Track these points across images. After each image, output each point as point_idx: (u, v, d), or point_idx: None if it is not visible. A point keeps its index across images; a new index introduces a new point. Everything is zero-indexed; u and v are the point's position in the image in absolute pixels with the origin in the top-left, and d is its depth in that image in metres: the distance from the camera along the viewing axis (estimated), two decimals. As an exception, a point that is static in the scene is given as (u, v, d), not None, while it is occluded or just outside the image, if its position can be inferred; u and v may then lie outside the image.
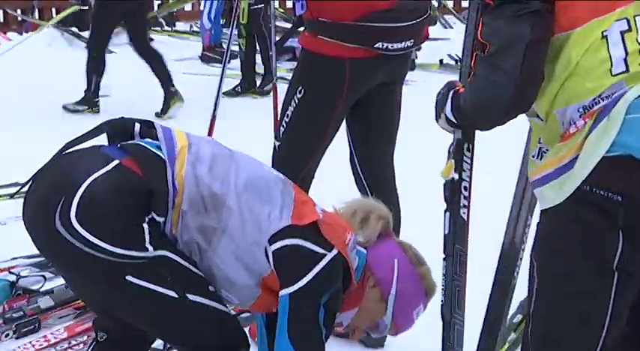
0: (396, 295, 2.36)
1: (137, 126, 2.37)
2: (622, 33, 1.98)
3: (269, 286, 2.25)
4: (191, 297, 2.20)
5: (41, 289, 3.70)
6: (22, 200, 2.31)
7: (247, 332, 2.43)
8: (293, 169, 3.06)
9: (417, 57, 8.61)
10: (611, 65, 1.97)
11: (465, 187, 2.42)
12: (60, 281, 3.72)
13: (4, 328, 3.43)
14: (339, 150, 3.52)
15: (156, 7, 12.15)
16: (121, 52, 8.67)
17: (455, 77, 2.37)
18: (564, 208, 1.98)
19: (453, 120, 2.22)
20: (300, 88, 3.27)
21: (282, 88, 3.82)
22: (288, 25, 10.02)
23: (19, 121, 6.79)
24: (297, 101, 3.27)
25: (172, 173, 2.21)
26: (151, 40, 10.54)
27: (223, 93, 5.27)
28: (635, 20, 1.99)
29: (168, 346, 3.01)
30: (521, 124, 2.23)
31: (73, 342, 3.38)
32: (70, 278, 2.43)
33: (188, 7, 12.21)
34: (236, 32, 7.30)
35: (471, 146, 2.41)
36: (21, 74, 8.21)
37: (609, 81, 1.96)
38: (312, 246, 2.21)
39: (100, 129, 2.37)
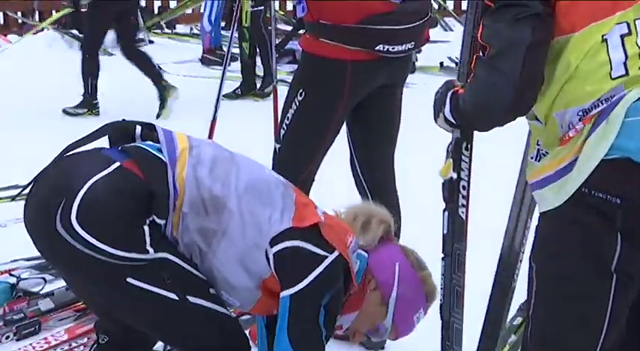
0: (396, 298, 2.36)
1: (138, 128, 2.37)
2: (622, 36, 1.98)
3: (269, 289, 2.25)
4: (192, 299, 2.20)
5: (41, 292, 3.70)
6: (22, 202, 2.31)
7: (248, 334, 2.43)
8: (293, 171, 3.06)
9: (417, 59, 8.60)
10: (611, 69, 1.97)
11: (464, 187, 2.43)
12: (60, 283, 3.72)
13: (4, 330, 3.43)
14: (339, 152, 3.52)
15: (156, 10, 12.16)
16: (120, 54, 8.67)
17: (455, 79, 2.37)
18: (563, 211, 1.99)
19: (452, 120, 2.22)
20: (300, 90, 3.28)
21: (283, 91, 3.82)
22: (288, 28, 10.04)
23: (20, 122, 6.79)
24: (297, 104, 3.27)
25: (173, 175, 2.21)
26: (151, 42, 10.59)
27: (223, 95, 5.27)
28: (635, 24, 1.99)
29: (169, 348, 3.01)
30: (521, 125, 2.24)
31: (74, 344, 3.37)
32: (70, 280, 2.43)
33: (188, 9, 12.21)
34: (236, 35, 7.29)
35: (469, 145, 2.41)
36: (21, 76, 8.21)
37: (609, 85, 1.96)
38: (313, 248, 2.22)
39: (101, 131, 2.38)
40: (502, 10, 2.03)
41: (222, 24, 10.40)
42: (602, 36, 1.98)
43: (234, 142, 2.45)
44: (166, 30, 11.56)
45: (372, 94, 3.31)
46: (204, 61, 9.69)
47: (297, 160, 3.29)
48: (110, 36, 7.36)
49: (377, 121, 3.41)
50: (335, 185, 3.89)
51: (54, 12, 11.33)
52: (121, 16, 7.09)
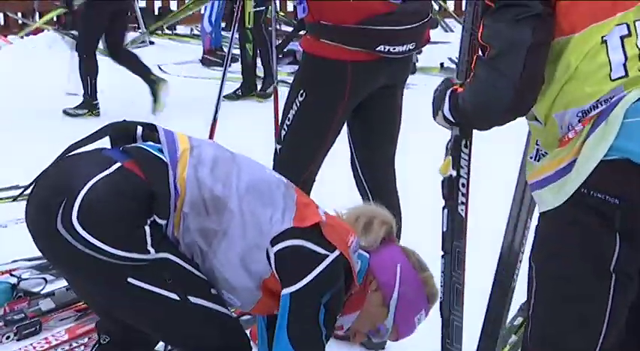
0: (397, 299, 2.36)
1: (139, 129, 2.38)
2: (622, 38, 1.98)
3: (270, 289, 2.25)
4: (192, 299, 2.20)
5: (42, 292, 3.70)
6: (23, 203, 2.31)
7: (248, 335, 2.43)
8: (294, 172, 3.06)
9: (417, 60, 8.61)
10: (611, 70, 1.97)
11: (463, 184, 2.43)
12: (61, 284, 3.72)
13: (5, 330, 3.43)
14: (340, 153, 3.52)
15: (156, 10, 12.16)
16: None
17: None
18: (562, 211, 1.99)
19: (451, 119, 2.23)
20: (301, 91, 3.28)
21: (283, 92, 3.82)
22: (289, 29, 10.04)
23: (20, 122, 6.79)
24: (298, 104, 3.28)
25: (174, 176, 2.22)
26: (152, 43, 10.59)
27: (224, 96, 5.27)
28: (635, 25, 2.00)
29: (170, 348, 3.01)
30: (520, 125, 2.24)
31: (74, 344, 3.37)
32: (72, 280, 2.43)
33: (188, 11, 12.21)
34: (237, 36, 7.28)
35: (468, 143, 2.41)
36: (22, 77, 8.21)
37: (608, 86, 1.96)
38: (314, 246, 2.22)
39: (102, 132, 2.38)
40: (502, 11, 2.03)
41: (223, 25, 10.40)
42: (602, 37, 1.98)
43: (234, 143, 2.45)
44: (167, 31, 11.56)
45: (373, 95, 3.31)
46: (204, 61, 9.69)
47: (298, 160, 3.30)
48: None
49: (378, 121, 3.41)
50: (336, 186, 3.89)
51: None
52: (115, 16, 7.09)
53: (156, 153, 2.27)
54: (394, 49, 3.21)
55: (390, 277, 2.37)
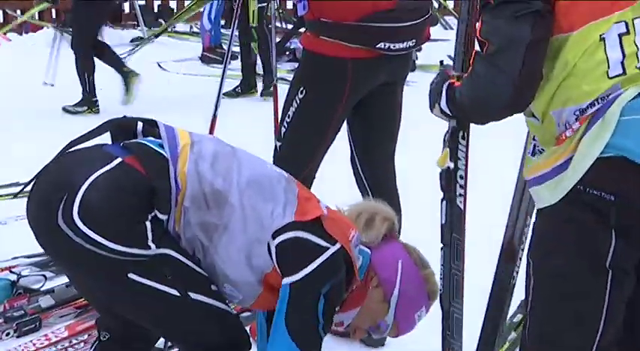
0: (398, 296, 2.36)
1: (140, 125, 2.38)
2: (620, 35, 1.98)
3: (271, 284, 2.25)
4: (193, 295, 2.20)
5: (42, 289, 3.71)
6: (23, 200, 2.31)
7: (248, 331, 2.43)
8: (294, 169, 3.05)
9: (417, 58, 8.60)
10: (608, 67, 1.98)
11: (461, 176, 2.44)
12: (60, 280, 3.73)
13: (4, 327, 3.44)
14: (340, 150, 3.52)
15: (156, 8, 12.15)
16: (120, 52, 8.67)
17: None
18: (559, 209, 2.00)
19: (448, 112, 2.23)
20: (301, 88, 3.28)
21: (283, 89, 3.83)
22: (288, 26, 10.04)
23: (20, 120, 6.79)
24: (298, 101, 3.28)
25: (175, 171, 2.22)
26: (151, 41, 10.57)
27: (223, 94, 5.26)
28: (633, 23, 2.00)
29: (170, 344, 3.01)
30: (519, 121, 2.24)
31: (74, 341, 3.38)
32: (72, 276, 2.43)
33: (187, 4, 12.19)
34: (237, 33, 7.27)
35: (466, 134, 2.41)
36: (21, 74, 8.20)
37: (606, 84, 1.97)
38: (315, 239, 2.22)
39: (102, 128, 2.38)
40: (501, 7, 2.03)
41: (222, 22, 10.39)
42: (600, 35, 1.98)
43: (234, 140, 2.45)
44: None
45: (373, 92, 3.31)
46: (203, 59, 9.69)
47: (297, 157, 3.30)
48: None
49: (378, 118, 3.41)
50: (336, 183, 3.90)
51: (54, 10, 11.34)
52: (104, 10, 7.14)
53: (156, 148, 2.27)
54: (394, 46, 3.21)
55: (392, 273, 2.37)
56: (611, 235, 1.95)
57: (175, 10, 12.04)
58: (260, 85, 7.94)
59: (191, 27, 11.62)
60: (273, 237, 2.22)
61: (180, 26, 11.97)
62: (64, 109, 7.18)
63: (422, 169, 3.57)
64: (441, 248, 2.50)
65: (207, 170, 2.24)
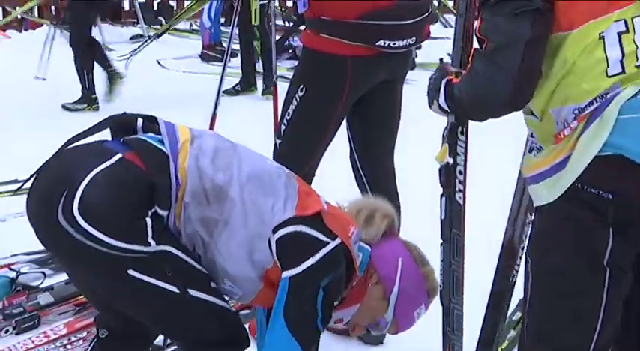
0: (398, 293, 2.36)
1: (140, 121, 2.38)
2: (619, 34, 1.99)
3: (271, 280, 2.25)
4: (192, 292, 2.20)
5: (41, 286, 3.71)
6: (22, 197, 2.31)
7: (247, 329, 2.43)
8: (294, 167, 3.04)
9: (417, 56, 8.60)
10: (607, 66, 1.98)
11: (460, 172, 2.44)
12: (60, 278, 3.73)
13: (3, 324, 3.44)
14: (339, 148, 3.52)
15: (155, 6, 12.14)
16: (119, 49, 8.67)
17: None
18: (557, 207, 2.01)
19: (446, 109, 2.23)
20: (301, 86, 3.28)
21: (283, 87, 3.82)
22: (285, 24, 10.03)
23: (19, 117, 6.78)
24: (298, 99, 3.28)
25: (175, 167, 2.22)
26: (154, 40, 10.57)
27: (223, 91, 5.27)
28: (633, 22, 2.00)
29: (169, 341, 3.02)
30: (517, 118, 2.24)
31: (73, 338, 3.38)
32: (72, 272, 2.43)
33: (187, 4, 12.19)
34: (237, 31, 7.26)
35: (464, 130, 2.42)
36: (21, 71, 8.20)
37: (605, 82, 1.97)
38: (315, 233, 2.22)
39: (102, 124, 2.38)
40: (501, 4, 2.03)
41: (222, 20, 10.39)
42: (600, 33, 1.98)
43: (234, 138, 2.45)
44: (166, 26, 11.55)
45: (373, 90, 3.31)
46: (203, 57, 9.69)
47: (297, 155, 3.30)
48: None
49: (377, 116, 3.42)
50: (335, 180, 3.89)
51: (53, 7, 11.33)
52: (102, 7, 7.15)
53: (156, 144, 2.27)
54: (394, 44, 3.21)
55: (391, 270, 2.37)
56: (608, 233, 1.96)
57: (175, 8, 12.04)
58: (260, 83, 7.94)
59: (191, 25, 11.62)
60: (274, 232, 2.22)
61: (180, 24, 11.96)
62: (64, 107, 7.17)
63: (421, 166, 3.57)
64: (441, 244, 2.51)
65: (207, 166, 2.24)
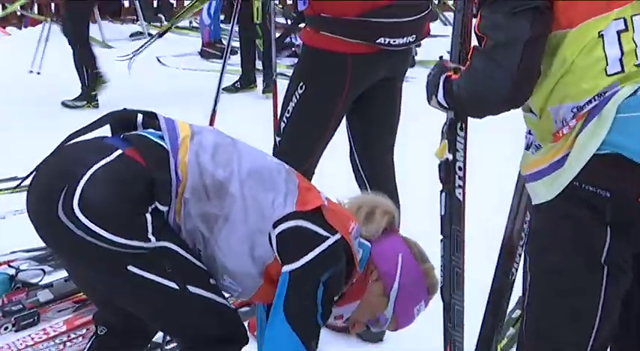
0: (398, 290, 2.36)
1: (140, 117, 2.38)
2: (618, 32, 1.98)
3: (271, 276, 2.25)
4: (191, 289, 2.20)
5: (40, 283, 3.71)
6: (22, 194, 2.31)
7: (247, 326, 2.43)
8: (293, 164, 3.03)
9: (417, 53, 8.60)
10: (607, 64, 1.97)
11: (460, 168, 2.44)
12: (59, 275, 3.73)
13: (3, 321, 3.44)
14: (339, 145, 3.52)
15: (155, 3, 12.14)
16: (119, 47, 8.67)
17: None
18: (555, 205, 2.01)
19: (445, 105, 2.23)
20: (301, 83, 3.28)
21: (282, 85, 3.82)
22: (286, 21, 10.02)
23: (18, 115, 6.78)
24: (298, 97, 3.28)
25: (175, 162, 2.22)
26: (150, 35, 10.56)
27: (223, 89, 5.26)
28: (632, 20, 2.00)
29: (168, 338, 3.01)
30: (516, 116, 2.24)
31: (72, 335, 3.38)
32: (72, 268, 2.43)
33: (187, 2, 12.18)
34: (237, 29, 7.24)
35: (464, 126, 2.41)
36: (20, 69, 8.19)
37: (604, 81, 1.97)
38: (315, 228, 2.22)
39: (102, 121, 2.38)
40: (500, 2, 2.03)
41: (222, 17, 10.38)
42: (599, 32, 1.98)
43: (233, 135, 2.45)
44: (165, 23, 11.54)
45: (373, 88, 3.31)
46: (203, 54, 9.68)
47: (297, 153, 3.29)
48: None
49: (377, 114, 3.41)
50: (335, 178, 3.89)
51: (52, 4, 11.33)
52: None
53: (157, 140, 2.27)
54: (394, 41, 3.21)
55: (392, 267, 2.37)
56: (606, 231, 1.96)
57: (175, 6, 12.03)
58: (260, 81, 7.93)
59: (190, 22, 11.61)
60: (274, 226, 2.22)
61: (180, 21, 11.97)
62: (63, 104, 7.17)
63: (421, 163, 3.58)
64: (441, 240, 2.50)
65: (207, 161, 2.24)
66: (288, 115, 3.31)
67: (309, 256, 2.18)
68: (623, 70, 1.97)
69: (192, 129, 2.33)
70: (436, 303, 2.51)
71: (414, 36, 3.27)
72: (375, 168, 3.47)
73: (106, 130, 2.38)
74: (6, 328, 3.42)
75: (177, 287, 2.19)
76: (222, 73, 4.94)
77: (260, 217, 2.22)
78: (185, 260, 2.20)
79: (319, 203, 2.26)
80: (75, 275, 2.49)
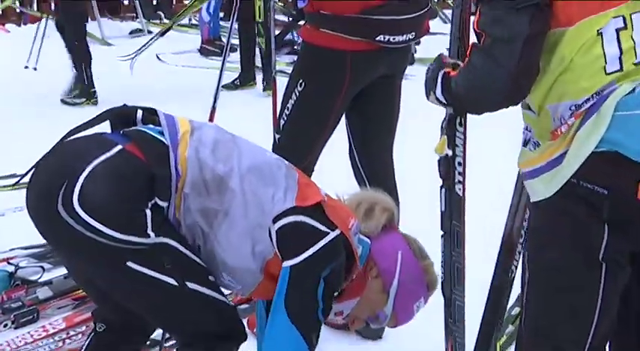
0: (397, 286, 2.37)
1: (139, 113, 2.38)
2: (617, 30, 1.98)
3: (271, 272, 2.25)
4: (190, 285, 2.20)
5: (40, 280, 3.71)
6: (21, 191, 2.31)
7: (246, 323, 2.43)
8: (293, 161, 3.04)
9: (416, 51, 8.59)
10: (606, 63, 1.97)
11: (459, 163, 2.44)
12: (58, 272, 3.73)
13: (2, 318, 3.44)
14: (338, 142, 3.52)
15: (155, 0, 12.13)
16: (119, 44, 8.67)
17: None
18: (553, 202, 2.01)
19: (444, 101, 2.23)
20: (301, 81, 3.28)
21: (282, 82, 3.82)
22: (285, 18, 10.02)
23: (17, 112, 6.77)
24: (297, 94, 3.28)
25: (175, 157, 2.22)
26: (150, 32, 10.55)
27: (222, 86, 5.25)
28: (631, 18, 1.99)
29: (167, 336, 3.01)
30: (514, 112, 2.24)
31: (72, 332, 3.38)
32: (71, 264, 2.43)
33: (186, 0, 12.17)
34: (236, 26, 7.23)
35: (463, 121, 2.42)
36: (19, 66, 8.19)
37: (604, 80, 1.97)
38: (315, 223, 2.22)
39: (102, 117, 2.38)
40: None
41: (221, 15, 10.37)
42: (598, 30, 1.98)
43: (233, 132, 2.46)
44: (165, 20, 11.54)
45: (372, 85, 3.31)
46: (202, 51, 9.67)
47: (296, 150, 3.29)
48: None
49: (376, 111, 3.41)
50: (334, 174, 3.88)
51: (52, 2, 11.31)
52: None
53: (156, 135, 2.27)
54: (394, 38, 3.21)
55: (391, 263, 2.37)
56: (603, 228, 1.96)
57: (174, 3, 12.02)
58: (259, 79, 7.92)
59: (190, 19, 11.60)
60: (274, 222, 2.22)
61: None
62: (63, 101, 7.16)
63: (420, 160, 3.57)
64: (442, 236, 2.50)
65: (207, 156, 2.24)
66: (287, 113, 3.31)
67: (310, 251, 2.19)
68: (621, 69, 1.97)
69: (192, 125, 2.33)
70: (435, 300, 2.52)
71: (413, 33, 3.26)
72: (374, 165, 3.47)
73: (105, 127, 2.38)
74: (5, 326, 3.42)
75: (175, 283, 2.19)
76: (221, 71, 4.93)
77: (260, 211, 2.22)
78: (184, 256, 2.20)
79: (319, 199, 2.27)
80: (74, 271, 2.49)
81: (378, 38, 3.18)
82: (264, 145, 2.70)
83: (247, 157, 2.29)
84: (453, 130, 2.41)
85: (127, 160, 2.21)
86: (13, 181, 4.27)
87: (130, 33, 10.52)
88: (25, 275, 3.73)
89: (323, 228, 2.22)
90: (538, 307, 2.10)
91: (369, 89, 3.32)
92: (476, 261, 2.78)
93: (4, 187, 4.78)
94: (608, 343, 2.15)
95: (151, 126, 2.33)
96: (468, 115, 2.39)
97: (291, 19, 9.68)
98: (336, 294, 2.30)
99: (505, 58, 2.00)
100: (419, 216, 3.31)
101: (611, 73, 1.97)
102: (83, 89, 7.17)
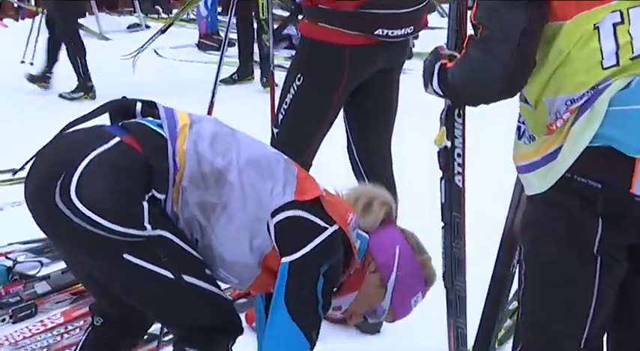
0: (395, 281, 2.37)
1: (139, 105, 2.37)
2: (614, 25, 1.97)
3: (269, 267, 2.25)
4: (186, 278, 2.20)
5: (38, 275, 3.71)
6: (19, 186, 2.31)
7: (244, 318, 2.43)
8: (291, 156, 3.04)
9: (414, 45, 8.58)
10: (602, 57, 1.96)
11: (459, 154, 2.44)
12: (56, 267, 3.73)
13: (0, 313, 3.44)
14: (336, 136, 3.52)
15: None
16: (117, 39, 8.66)
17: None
18: (548, 196, 2.01)
19: (440, 93, 2.23)
20: (299, 75, 3.27)
21: (280, 76, 3.82)
22: (285, 13, 10.00)
23: (16, 107, 6.78)
24: (295, 88, 3.27)
25: (173, 150, 2.21)
26: (148, 27, 10.56)
27: (220, 80, 5.25)
28: (628, 12, 1.98)
29: (165, 330, 3.01)
30: (512, 104, 2.23)
31: (70, 327, 3.38)
32: (69, 257, 2.43)
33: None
34: (234, 20, 7.22)
35: (461, 112, 2.41)
36: (17, 61, 8.18)
37: (600, 75, 1.96)
38: (313, 218, 2.21)
39: (101, 109, 2.38)
40: None
41: (219, 9, 10.37)
42: (595, 24, 1.97)
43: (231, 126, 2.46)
44: (163, 15, 11.54)
45: (370, 79, 3.31)
46: (200, 46, 9.67)
47: (295, 144, 3.29)
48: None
49: (374, 105, 3.41)
50: (332, 168, 3.89)
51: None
52: None
53: (155, 128, 2.27)
54: (392, 32, 3.21)
55: (389, 258, 2.37)
56: (597, 222, 1.96)
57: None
58: (257, 73, 7.92)
59: (188, 14, 11.59)
60: (273, 216, 2.22)
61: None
62: (61, 96, 7.17)
63: (418, 155, 3.57)
64: (442, 227, 2.50)
65: (206, 150, 2.24)
66: (285, 107, 3.31)
67: (309, 247, 2.18)
68: (618, 63, 1.96)
69: (192, 118, 2.32)
70: (433, 294, 2.51)
71: (411, 27, 3.26)
72: (372, 159, 3.46)
73: (104, 119, 2.37)
74: (3, 320, 3.42)
75: (172, 276, 2.18)
76: (219, 65, 4.93)
77: (258, 205, 2.22)
78: (181, 249, 2.20)
79: (318, 193, 2.26)
80: (72, 264, 2.49)
81: (376, 32, 3.18)
82: (262, 139, 2.70)
83: (246, 150, 2.29)
84: (451, 121, 2.41)
85: (124, 152, 2.20)
86: (10, 175, 4.26)
87: (128, 27, 10.52)
88: (24, 270, 3.73)
89: (321, 223, 2.21)
90: (534, 301, 2.11)
91: (367, 83, 3.31)
92: (476, 255, 2.78)
93: (3, 181, 4.77)
94: (605, 335, 2.15)
95: (150, 119, 2.33)
96: (468, 107, 2.39)
97: (289, 13, 9.67)
98: (334, 289, 2.30)
99: (502, 51, 1.99)
100: (417, 210, 3.32)
101: (608, 67, 1.96)
102: (81, 84, 7.17)
